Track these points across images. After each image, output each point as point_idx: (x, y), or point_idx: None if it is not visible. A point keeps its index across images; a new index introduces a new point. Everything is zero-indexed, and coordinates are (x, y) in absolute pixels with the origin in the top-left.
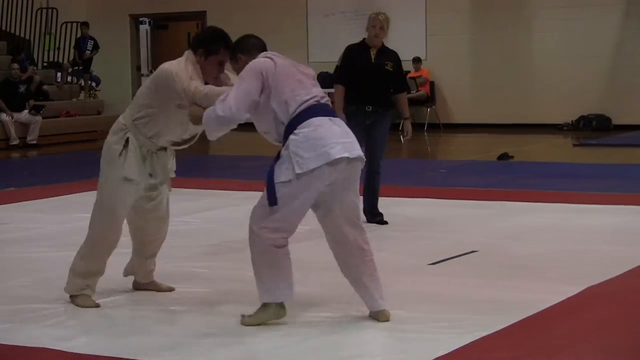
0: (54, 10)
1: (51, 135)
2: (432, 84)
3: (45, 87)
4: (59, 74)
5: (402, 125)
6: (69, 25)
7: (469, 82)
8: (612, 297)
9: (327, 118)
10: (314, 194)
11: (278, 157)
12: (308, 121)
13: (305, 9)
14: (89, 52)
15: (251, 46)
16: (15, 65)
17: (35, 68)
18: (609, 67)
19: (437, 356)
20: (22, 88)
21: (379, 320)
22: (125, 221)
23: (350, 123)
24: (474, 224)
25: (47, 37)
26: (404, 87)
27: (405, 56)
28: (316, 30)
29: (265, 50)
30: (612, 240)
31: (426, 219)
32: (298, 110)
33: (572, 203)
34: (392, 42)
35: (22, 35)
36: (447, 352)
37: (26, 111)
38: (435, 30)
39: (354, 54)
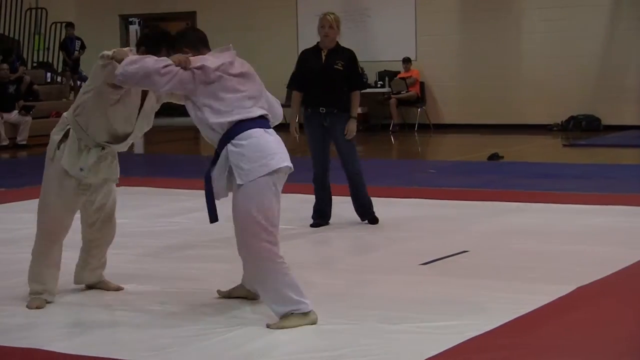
0: (43, 11)
1: (41, 135)
2: (422, 84)
3: (35, 87)
4: (48, 74)
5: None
6: (58, 25)
7: (459, 83)
8: (602, 297)
9: (262, 129)
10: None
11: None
12: (246, 132)
13: (295, 9)
14: (77, 52)
15: (197, 41)
16: (5, 66)
17: (25, 68)
18: (598, 68)
19: (427, 357)
20: (11, 88)
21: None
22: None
23: (308, 128)
24: (464, 224)
25: (37, 37)
26: (357, 85)
27: (396, 56)
28: (306, 30)
29: (207, 44)
30: (602, 240)
31: (417, 220)
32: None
33: (562, 203)
34: (382, 42)
35: (11, 35)
36: (437, 352)
37: (16, 112)
38: (425, 31)
39: (307, 58)
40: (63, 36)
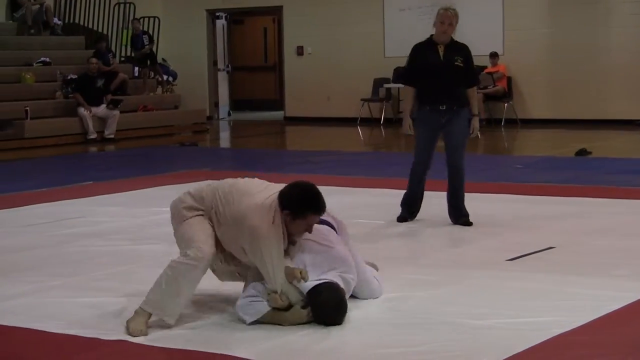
0: (131, 5)
1: (128, 129)
2: (509, 79)
3: (126, 79)
4: (135, 69)
5: (470, 123)
6: (147, 20)
7: (546, 77)
8: None
9: None
10: None
11: None
12: None
13: (382, 3)
14: (147, 45)
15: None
16: (94, 60)
17: (116, 62)
18: None
19: (515, 352)
20: (99, 83)
21: None
22: None
23: (424, 125)
24: (550, 220)
25: (125, 31)
26: (474, 82)
27: (482, 51)
28: (392, 25)
29: None
30: None
31: (502, 215)
32: None
33: None
34: (469, 37)
35: (99, 29)
36: (525, 348)
37: (104, 105)
38: (512, 25)
39: (422, 53)
40: (151, 31)
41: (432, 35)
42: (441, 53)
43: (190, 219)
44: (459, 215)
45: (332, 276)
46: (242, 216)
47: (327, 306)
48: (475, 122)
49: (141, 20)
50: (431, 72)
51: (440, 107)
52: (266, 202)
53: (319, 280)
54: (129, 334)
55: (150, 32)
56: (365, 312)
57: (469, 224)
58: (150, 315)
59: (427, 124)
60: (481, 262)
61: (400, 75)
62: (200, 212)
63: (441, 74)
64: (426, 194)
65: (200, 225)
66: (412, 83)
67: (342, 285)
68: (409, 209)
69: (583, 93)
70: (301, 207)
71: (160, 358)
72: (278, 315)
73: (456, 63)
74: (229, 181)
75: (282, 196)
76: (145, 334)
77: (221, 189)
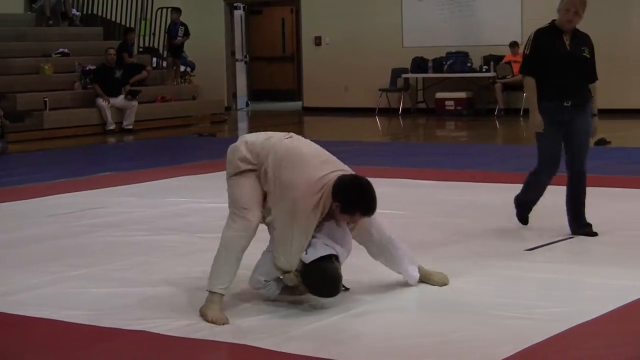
0: None
1: (147, 120)
2: None
3: (146, 70)
4: (154, 59)
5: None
6: (164, 11)
7: None
8: None
9: None
10: None
11: None
12: None
13: None
14: (180, 37)
15: None
16: (112, 51)
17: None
18: None
19: (533, 343)
20: (118, 73)
21: None
22: None
23: (550, 123)
24: None
25: (143, 22)
26: (595, 75)
27: (501, 40)
28: (411, 15)
29: None
30: None
31: None
32: None
33: None
34: (487, 26)
35: (117, 21)
36: (543, 339)
37: (122, 96)
38: (531, 14)
39: (545, 41)
40: (169, 22)
41: (554, 21)
42: (567, 42)
43: (242, 177)
44: (581, 225)
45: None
46: (291, 185)
47: (320, 282)
48: (596, 122)
49: (159, 11)
50: (558, 63)
51: (565, 103)
52: (319, 182)
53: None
54: (213, 322)
55: (167, 23)
56: (387, 301)
57: (593, 234)
58: (222, 296)
59: (552, 122)
60: (500, 252)
61: (522, 64)
62: (252, 167)
63: (569, 66)
64: (428, 183)
65: (249, 187)
66: (534, 74)
67: (340, 256)
68: (528, 207)
69: (603, 82)
70: (353, 206)
71: (183, 347)
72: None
73: (584, 54)
74: (286, 143)
75: (337, 188)
76: (228, 322)
77: (277, 151)
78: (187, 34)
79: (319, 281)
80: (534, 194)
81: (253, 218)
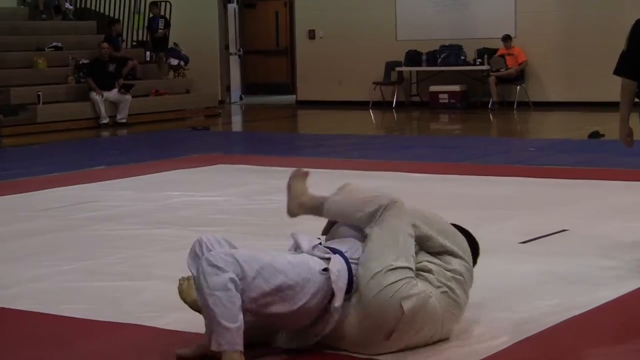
0: None
1: (140, 114)
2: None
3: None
4: (147, 53)
5: None
6: (158, 4)
7: (560, 60)
8: None
9: None
10: None
11: None
12: None
13: None
14: (161, 30)
15: None
16: (105, 45)
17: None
18: None
19: (528, 335)
20: (111, 67)
21: None
22: None
23: None
24: (564, 202)
25: (136, 16)
26: None
27: (495, 34)
28: (404, 8)
29: None
30: None
31: (515, 198)
32: None
33: None
34: (481, 19)
35: (111, 14)
36: (538, 331)
37: (115, 90)
38: (525, 7)
39: None
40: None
41: None
42: None
43: None
44: None
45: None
46: None
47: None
48: None
49: (154, 4)
50: None
51: None
52: None
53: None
54: None
55: (165, 16)
56: None
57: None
58: None
59: None
60: (494, 245)
61: (617, 63)
62: None
63: None
64: (422, 176)
65: None
66: (633, 75)
67: None
68: None
69: (597, 75)
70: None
71: (178, 341)
72: None
73: None
74: None
75: None
76: None
77: None
78: (167, 25)
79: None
80: None
81: None
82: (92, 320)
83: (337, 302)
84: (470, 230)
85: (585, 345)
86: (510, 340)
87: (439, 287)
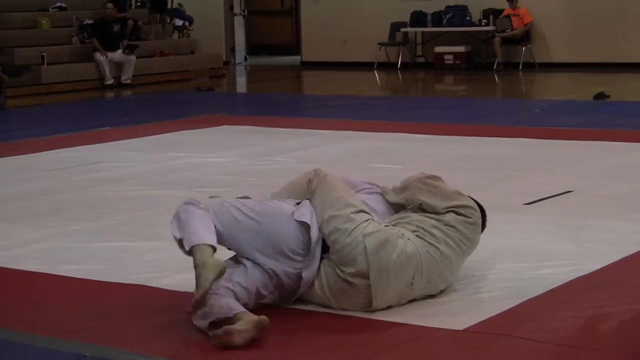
0: None
1: (145, 74)
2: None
3: (139, 24)
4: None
5: None
6: None
7: (566, 20)
8: None
9: None
10: None
11: None
12: None
13: None
14: None
15: None
16: (110, 5)
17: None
18: None
19: (533, 296)
20: (115, 28)
21: None
22: None
23: None
24: (568, 163)
25: None
26: None
27: None
28: None
29: None
30: None
31: (520, 159)
32: None
33: None
34: None
35: None
36: (542, 292)
37: (120, 51)
38: None
39: None
40: None
41: None
42: None
43: None
44: None
45: None
46: None
47: None
48: None
49: None
50: None
51: None
52: None
53: None
54: None
55: None
56: None
57: None
58: None
59: None
60: (498, 206)
61: None
62: None
63: None
64: (426, 137)
65: None
66: None
67: None
68: None
69: (603, 36)
70: None
71: (181, 301)
72: None
73: None
74: None
75: None
76: None
77: None
78: None
79: None
80: None
81: None
82: (96, 280)
83: (313, 234)
84: (476, 192)
85: (590, 306)
86: (516, 301)
87: (414, 231)
